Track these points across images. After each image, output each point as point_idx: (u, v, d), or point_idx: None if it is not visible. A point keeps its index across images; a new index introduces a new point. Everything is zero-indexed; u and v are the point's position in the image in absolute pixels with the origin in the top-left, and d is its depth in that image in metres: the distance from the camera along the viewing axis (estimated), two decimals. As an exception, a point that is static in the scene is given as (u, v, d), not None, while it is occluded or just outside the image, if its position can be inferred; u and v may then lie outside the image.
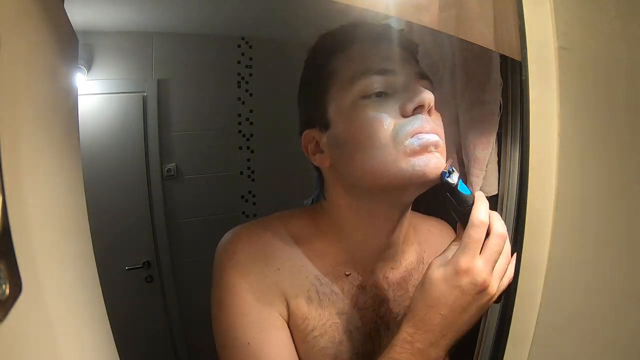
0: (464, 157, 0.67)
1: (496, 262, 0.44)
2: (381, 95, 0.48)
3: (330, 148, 0.52)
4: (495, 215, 0.45)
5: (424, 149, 0.45)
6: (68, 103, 0.38)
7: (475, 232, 0.43)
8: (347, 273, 0.55)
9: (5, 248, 0.21)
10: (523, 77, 0.44)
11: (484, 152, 0.63)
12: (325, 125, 0.52)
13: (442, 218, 0.70)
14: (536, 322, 0.45)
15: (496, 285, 0.44)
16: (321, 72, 0.52)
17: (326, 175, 0.56)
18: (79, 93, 0.46)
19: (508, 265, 0.45)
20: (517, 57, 0.44)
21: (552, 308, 0.44)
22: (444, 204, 0.47)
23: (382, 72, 0.48)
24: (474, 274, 0.42)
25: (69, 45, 0.39)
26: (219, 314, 0.52)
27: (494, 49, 0.44)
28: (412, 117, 0.46)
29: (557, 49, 0.42)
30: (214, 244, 0.57)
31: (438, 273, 0.44)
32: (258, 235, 0.54)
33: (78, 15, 1.39)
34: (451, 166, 0.46)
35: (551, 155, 0.44)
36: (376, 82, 0.47)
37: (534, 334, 0.45)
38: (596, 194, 0.41)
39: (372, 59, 0.49)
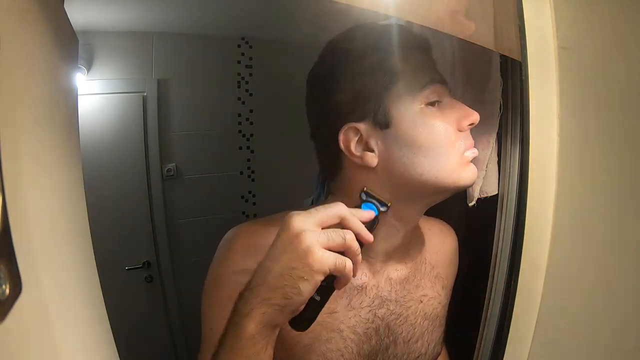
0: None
1: (313, 217, 0.41)
2: (435, 104, 0.51)
3: (387, 147, 0.51)
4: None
5: (471, 161, 0.53)
6: (68, 103, 0.38)
7: (328, 206, 0.42)
8: None
9: (5, 248, 0.21)
10: (523, 77, 0.44)
11: (484, 152, 0.63)
12: (384, 124, 0.50)
13: (441, 218, 0.70)
14: (536, 322, 0.45)
15: (308, 224, 0.40)
16: (381, 67, 0.51)
17: (359, 175, 0.54)
18: (79, 93, 0.46)
19: (342, 234, 0.41)
20: (517, 57, 0.44)
21: (552, 308, 0.44)
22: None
23: (442, 81, 0.52)
24: (289, 215, 0.41)
25: (69, 45, 0.39)
26: (203, 297, 0.54)
27: (494, 49, 0.44)
28: (466, 132, 0.52)
29: (557, 49, 0.42)
30: (214, 244, 0.58)
31: None
32: (257, 231, 0.55)
33: (78, 15, 1.39)
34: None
35: (551, 155, 0.44)
36: (439, 91, 0.51)
37: (534, 334, 0.45)
38: (596, 193, 0.41)
39: (431, 67, 0.54)
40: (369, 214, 0.46)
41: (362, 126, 0.51)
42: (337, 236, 0.40)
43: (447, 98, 0.52)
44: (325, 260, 0.39)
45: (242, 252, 0.53)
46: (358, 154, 0.51)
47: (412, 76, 0.51)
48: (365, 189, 0.50)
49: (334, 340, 0.53)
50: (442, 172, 0.51)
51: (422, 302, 0.60)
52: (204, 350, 0.51)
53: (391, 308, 0.57)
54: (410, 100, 0.50)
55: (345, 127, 0.51)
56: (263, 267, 0.42)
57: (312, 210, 0.42)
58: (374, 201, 0.49)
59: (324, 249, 0.39)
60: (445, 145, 0.50)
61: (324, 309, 0.50)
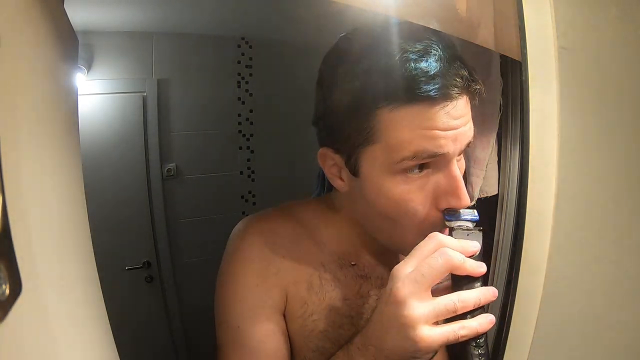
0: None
1: (425, 277, 0.38)
2: (418, 171, 0.45)
3: (353, 188, 0.50)
4: (468, 256, 0.41)
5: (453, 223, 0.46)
6: (68, 103, 0.38)
7: (422, 242, 0.40)
8: (352, 263, 0.57)
9: (5, 248, 0.21)
10: (523, 77, 0.44)
11: (484, 152, 0.63)
12: (353, 171, 0.48)
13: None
14: (536, 322, 0.45)
15: (421, 310, 0.38)
16: (360, 124, 0.46)
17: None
18: (79, 93, 0.46)
19: (453, 308, 0.39)
20: (517, 57, 0.44)
21: (552, 308, 0.44)
22: None
23: (434, 155, 0.45)
24: (393, 277, 0.39)
25: (69, 45, 0.39)
26: (219, 294, 0.54)
27: (494, 49, 0.44)
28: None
29: (557, 49, 0.42)
30: (214, 244, 0.58)
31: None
32: (268, 223, 0.56)
33: (78, 15, 1.39)
34: None
35: (551, 155, 0.44)
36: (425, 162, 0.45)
37: (534, 334, 0.45)
38: (596, 193, 0.41)
39: (424, 136, 0.47)
40: (474, 244, 0.41)
41: (336, 157, 0.49)
42: (447, 309, 0.39)
43: (444, 168, 0.44)
44: (435, 340, 0.38)
45: (260, 259, 0.53)
46: (330, 175, 0.52)
47: (391, 146, 0.43)
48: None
49: (345, 326, 0.54)
50: (398, 241, 0.49)
51: None
52: (230, 349, 0.52)
53: None
54: (383, 166, 0.45)
55: (324, 148, 0.51)
56: (369, 338, 0.42)
57: (417, 265, 0.39)
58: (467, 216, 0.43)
59: (433, 327, 0.38)
60: (411, 220, 0.46)
61: (338, 296, 0.53)
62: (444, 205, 0.44)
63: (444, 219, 0.45)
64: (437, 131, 0.41)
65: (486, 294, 0.40)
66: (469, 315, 0.39)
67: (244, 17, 1.64)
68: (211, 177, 1.88)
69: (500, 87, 0.59)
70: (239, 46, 1.86)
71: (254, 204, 1.97)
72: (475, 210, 0.44)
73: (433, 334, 0.38)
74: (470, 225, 0.44)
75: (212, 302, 0.55)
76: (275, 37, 1.88)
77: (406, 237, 0.47)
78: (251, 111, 1.92)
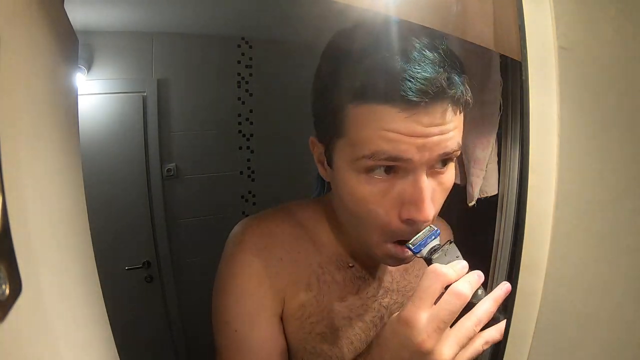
0: (464, 157, 0.67)
1: (446, 323, 0.38)
2: (384, 173, 0.44)
3: (332, 178, 0.50)
4: (468, 276, 0.41)
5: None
6: (68, 103, 0.38)
7: (426, 281, 0.40)
8: (350, 264, 0.56)
9: (5, 248, 0.21)
10: (523, 77, 0.44)
11: (484, 152, 0.63)
12: (329, 162, 0.49)
13: (441, 217, 0.70)
14: (536, 322, 0.45)
15: (448, 352, 0.38)
16: (334, 114, 0.47)
17: None
18: (79, 93, 0.46)
19: (473, 334, 0.40)
20: (517, 57, 0.44)
21: (552, 308, 0.44)
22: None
23: (397, 158, 0.44)
24: (412, 327, 0.38)
25: (69, 45, 0.39)
26: (217, 297, 0.54)
27: (494, 49, 0.44)
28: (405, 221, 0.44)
29: (557, 49, 0.42)
30: (214, 244, 0.58)
31: (394, 315, 0.42)
32: (266, 225, 0.56)
33: (78, 15, 1.39)
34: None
35: (551, 155, 0.44)
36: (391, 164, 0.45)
37: (534, 334, 0.45)
38: (596, 194, 0.41)
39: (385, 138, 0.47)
40: (462, 265, 0.42)
41: (319, 146, 0.51)
42: (468, 337, 0.40)
43: (410, 176, 0.42)
44: None
45: (257, 263, 0.53)
46: (317, 162, 0.53)
47: (353, 142, 0.43)
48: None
49: (344, 327, 0.54)
50: (365, 240, 0.48)
51: None
52: (229, 352, 0.52)
53: (394, 297, 0.59)
54: (347, 161, 0.44)
55: (312, 136, 0.52)
56: None
57: (433, 312, 0.39)
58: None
59: (461, 354, 0.40)
60: (374, 221, 0.45)
61: (336, 298, 0.53)
62: (405, 214, 0.43)
63: (412, 252, 0.44)
64: (398, 135, 0.40)
65: (494, 302, 0.41)
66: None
67: (244, 17, 1.64)
68: (211, 177, 1.88)
69: (500, 87, 0.59)
70: (239, 46, 1.86)
71: (254, 204, 1.97)
72: (430, 224, 0.44)
73: None
74: (437, 242, 0.44)
75: (212, 303, 0.55)
76: (275, 37, 1.88)
77: (371, 238, 0.47)
78: (251, 111, 1.92)
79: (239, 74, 1.87)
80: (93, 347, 0.35)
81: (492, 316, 0.40)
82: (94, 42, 1.60)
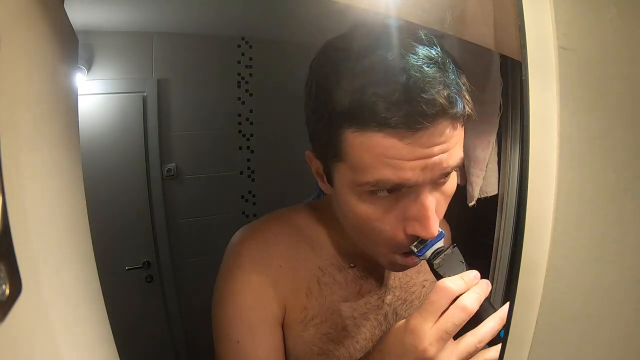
0: (464, 157, 0.67)
1: (449, 334, 0.40)
2: (387, 193, 0.43)
3: (333, 193, 0.50)
4: (473, 290, 0.41)
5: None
6: (68, 103, 0.38)
7: (434, 295, 0.41)
8: (351, 265, 0.56)
9: (5, 248, 0.21)
10: (523, 77, 0.44)
11: (484, 152, 0.63)
12: (329, 180, 0.48)
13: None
14: (536, 322, 0.45)
15: None
16: (331, 140, 0.45)
17: None
18: (79, 93, 0.46)
19: (475, 350, 0.41)
20: (517, 57, 0.44)
21: (552, 308, 0.44)
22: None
23: (400, 186, 0.44)
24: (417, 336, 0.40)
25: (69, 45, 0.39)
26: (217, 309, 0.54)
27: (494, 49, 0.44)
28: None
29: (557, 49, 0.42)
30: (214, 244, 0.58)
31: (399, 323, 0.43)
32: (262, 235, 0.56)
33: (78, 15, 1.39)
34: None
35: (551, 155, 0.44)
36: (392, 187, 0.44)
37: (534, 334, 0.45)
38: (596, 194, 0.41)
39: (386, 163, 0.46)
40: (473, 275, 0.43)
41: (318, 162, 0.50)
42: (469, 352, 0.41)
43: (414, 194, 0.42)
44: None
45: (257, 274, 0.53)
46: (316, 176, 0.52)
47: (355, 168, 0.42)
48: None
49: (348, 327, 0.54)
50: (372, 252, 0.49)
51: (424, 286, 0.61)
52: None
53: (397, 294, 0.59)
54: (349, 185, 0.44)
55: (309, 151, 0.51)
56: None
57: (438, 323, 0.40)
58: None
59: None
60: (379, 236, 0.45)
61: (339, 298, 0.53)
62: (410, 230, 0.43)
63: (415, 255, 0.44)
64: (401, 161, 0.38)
65: (499, 321, 0.41)
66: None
67: (244, 17, 1.64)
68: (211, 177, 1.88)
69: (500, 87, 0.59)
70: (239, 46, 1.86)
71: (254, 204, 1.97)
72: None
73: None
74: (441, 244, 0.44)
75: (212, 302, 0.55)
76: (275, 37, 1.88)
77: (378, 250, 0.48)
78: (251, 111, 1.92)
79: (239, 74, 1.87)
80: (93, 347, 0.35)
81: (496, 334, 0.42)
82: (94, 42, 1.60)
